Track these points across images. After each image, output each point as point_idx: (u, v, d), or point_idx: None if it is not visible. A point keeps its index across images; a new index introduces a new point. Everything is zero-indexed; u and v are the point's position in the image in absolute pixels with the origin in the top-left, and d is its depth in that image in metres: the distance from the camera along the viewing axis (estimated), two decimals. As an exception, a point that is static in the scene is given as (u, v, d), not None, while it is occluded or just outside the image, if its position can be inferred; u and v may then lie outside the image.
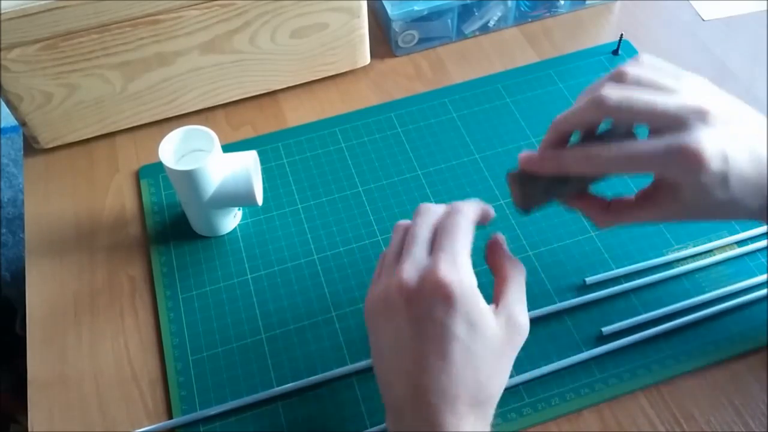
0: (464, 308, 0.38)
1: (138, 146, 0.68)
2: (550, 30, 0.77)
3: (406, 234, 0.43)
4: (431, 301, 0.38)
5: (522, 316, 0.41)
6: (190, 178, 0.53)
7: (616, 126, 0.42)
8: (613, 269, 0.56)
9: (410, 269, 0.40)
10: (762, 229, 0.58)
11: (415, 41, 0.74)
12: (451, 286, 0.38)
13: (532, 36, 0.76)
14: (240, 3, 0.61)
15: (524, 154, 0.43)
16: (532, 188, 0.44)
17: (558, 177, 0.43)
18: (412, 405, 0.39)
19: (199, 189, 0.55)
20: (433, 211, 0.43)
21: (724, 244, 0.57)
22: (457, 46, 0.75)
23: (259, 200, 0.59)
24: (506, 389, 0.51)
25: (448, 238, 0.40)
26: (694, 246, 0.58)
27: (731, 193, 0.39)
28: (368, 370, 0.52)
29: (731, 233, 0.58)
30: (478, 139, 0.66)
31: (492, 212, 0.45)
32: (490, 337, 0.39)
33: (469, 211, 0.42)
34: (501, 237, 0.46)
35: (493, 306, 0.41)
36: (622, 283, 0.55)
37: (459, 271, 0.39)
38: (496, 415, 0.50)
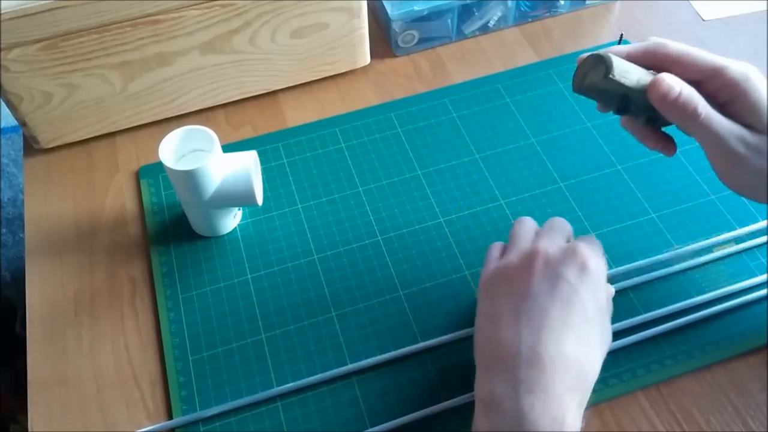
0: (593, 282, 0.43)
1: (138, 146, 0.68)
2: (550, 30, 0.77)
3: (521, 231, 0.48)
4: (569, 264, 0.43)
5: (593, 262, 0.44)
6: (190, 178, 0.53)
7: None
8: (612, 268, 0.56)
9: (549, 243, 0.45)
10: (761, 227, 0.58)
11: (415, 41, 0.74)
12: (590, 261, 0.43)
13: (532, 36, 0.76)
14: (240, 3, 0.61)
15: (663, 80, 0.44)
16: (608, 84, 0.44)
17: (639, 101, 0.45)
18: (527, 360, 0.40)
19: (199, 189, 0.55)
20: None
21: (724, 240, 0.57)
22: (457, 46, 0.75)
23: (259, 200, 0.59)
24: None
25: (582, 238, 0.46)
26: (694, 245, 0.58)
27: None
28: (368, 370, 0.52)
29: (731, 233, 0.58)
30: (478, 139, 0.66)
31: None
32: (606, 317, 0.44)
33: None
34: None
35: None
36: (621, 282, 0.55)
37: (596, 254, 0.44)
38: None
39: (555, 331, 0.41)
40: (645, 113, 0.47)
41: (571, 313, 0.42)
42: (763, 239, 0.58)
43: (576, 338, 0.41)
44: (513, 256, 0.45)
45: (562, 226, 0.48)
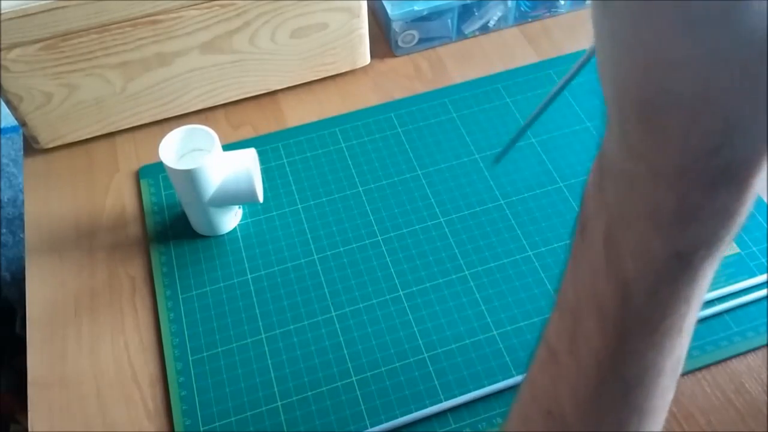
0: None
1: (138, 146, 0.68)
2: (550, 30, 0.76)
3: None
4: None
5: None
6: (190, 177, 0.53)
7: None
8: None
9: None
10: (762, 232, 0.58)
11: (415, 41, 0.74)
12: None
13: (532, 36, 0.76)
14: (240, 3, 0.61)
15: None
16: None
17: None
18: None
19: (199, 188, 0.55)
20: None
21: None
22: (457, 46, 0.75)
23: (260, 197, 0.59)
24: (502, 392, 0.51)
25: None
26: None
27: None
28: (368, 369, 0.52)
29: (731, 233, 0.58)
30: (478, 139, 0.66)
31: None
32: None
33: None
34: None
35: None
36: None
37: None
38: (487, 421, 0.50)
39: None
40: None
41: None
42: (763, 244, 0.58)
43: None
44: None
45: None
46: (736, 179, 0.22)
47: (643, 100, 0.21)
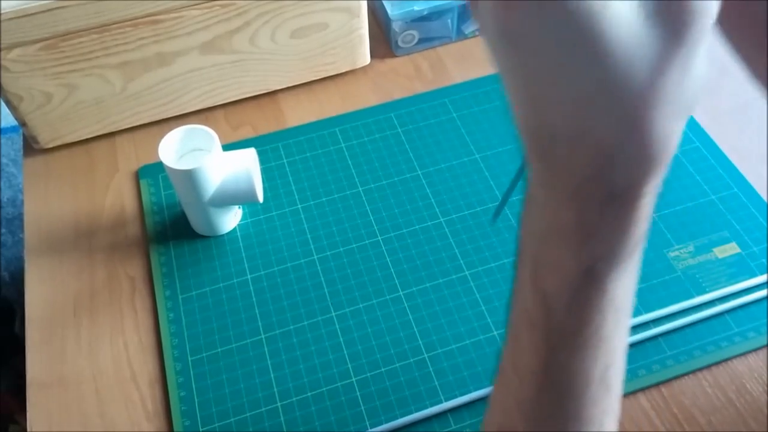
0: None
1: (138, 146, 0.68)
2: (550, 30, 0.76)
3: None
4: None
5: None
6: (190, 177, 0.53)
7: None
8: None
9: None
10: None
11: (415, 41, 0.74)
12: None
13: (532, 36, 0.76)
14: (240, 3, 0.61)
15: None
16: None
17: None
18: None
19: (199, 188, 0.55)
20: None
21: (725, 244, 0.57)
22: (457, 46, 0.75)
23: (260, 197, 0.59)
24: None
25: None
26: (695, 246, 0.57)
27: None
28: (368, 370, 0.52)
29: (731, 233, 0.58)
30: (478, 139, 0.66)
31: None
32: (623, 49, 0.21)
33: None
34: None
35: None
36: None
37: None
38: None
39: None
40: None
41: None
42: (763, 244, 0.58)
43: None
44: None
45: None
46: (622, 201, 0.24)
47: (532, 132, 0.24)
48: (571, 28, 0.20)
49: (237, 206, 0.60)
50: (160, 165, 0.65)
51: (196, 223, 0.60)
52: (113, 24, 0.59)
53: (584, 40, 0.20)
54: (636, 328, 0.53)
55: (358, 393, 0.51)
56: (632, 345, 0.52)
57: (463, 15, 0.74)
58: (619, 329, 0.29)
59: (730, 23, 0.34)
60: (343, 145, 0.67)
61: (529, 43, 0.21)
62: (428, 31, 0.73)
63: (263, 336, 0.54)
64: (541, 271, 0.27)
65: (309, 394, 0.51)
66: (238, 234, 0.61)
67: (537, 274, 0.28)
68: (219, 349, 0.54)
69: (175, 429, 0.50)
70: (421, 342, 0.53)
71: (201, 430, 0.50)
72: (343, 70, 0.71)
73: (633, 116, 0.22)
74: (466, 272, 0.57)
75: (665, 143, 0.23)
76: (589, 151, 0.23)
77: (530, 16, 0.21)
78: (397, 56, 0.74)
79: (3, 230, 1.44)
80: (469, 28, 0.75)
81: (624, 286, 0.27)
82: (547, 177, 0.25)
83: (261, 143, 0.67)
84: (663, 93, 0.22)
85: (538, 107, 0.23)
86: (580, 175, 0.23)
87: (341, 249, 0.59)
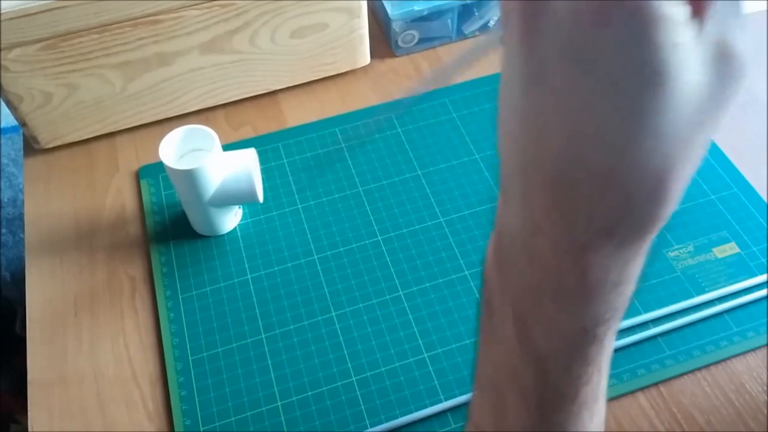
0: (636, 42, 0.19)
1: (138, 146, 0.68)
2: (550, 30, 0.76)
3: None
4: (572, 16, 0.20)
5: (741, 41, 0.22)
6: (190, 177, 0.53)
7: None
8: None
9: None
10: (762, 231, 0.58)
11: (415, 41, 0.74)
12: None
13: (532, 36, 0.76)
14: (240, 3, 0.61)
15: None
16: None
17: None
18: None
19: (200, 188, 0.55)
20: None
21: (725, 244, 0.58)
22: (457, 46, 0.75)
23: (260, 197, 0.59)
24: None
25: None
26: (695, 245, 0.58)
27: None
28: (368, 369, 0.52)
29: (731, 233, 0.58)
30: (478, 139, 0.66)
31: None
32: (684, 95, 0.20)
33: None
34: None
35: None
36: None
37: None
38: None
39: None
40: None
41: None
42: (763, 244, 0.58)
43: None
44: None
45: None
46: (631, 251, 0.23)
47: (556, 173, 0.21)
48: (655, 65, 0.19)
49: (237, 206, 0.60)
50: (160, 165, 0.65)
51: (197, 223, 0.60)
52: (113, 24, 0.59)
53: (661, 81, 0.19)
54: (635, 328, 0.53)
55: (358, 392, 0.51)
56: (632, 345, 0.52)
57: (463, 15, 0.74)
58: (607, 376, 0.27)
59: None
60: (343, 145, 0.67)
61: (602, 71, 0.19)
62: (428, 31, 0.73)
63: (263, 335, 0.54)
64: (531, 331, 0.25)
65: (309, 393, 0.51)
66: (239, 234, 0.61)
67: (527, 334, 0.25)
68: (219, 349, 0.54)
69: (175, 428, 0.50)
70: (420, 341, 0.54)
71: (202, 429, 0.50)
72: (343, 70, 0.71)
73: (672, 163, 0.21)
74: (466, 272, 0.57)
75: (681, 191, 0.22)
76: (618, 196, 0.21)
77: (619, 44, 0.19)
78: (397, 56, 0.74)
79: (3, 230, 1.44)
80: (469, 28, 0.75)
81: (615, 334, 0.26)
82: (556, 226, 0.22)
83: (261, 143, 0.67)
84: (699, 142, 0.21)
85: (576, 141, 0.20)
86: (601, 223, 0.21)
87: (341, 249, 0.59)
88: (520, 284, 0.25)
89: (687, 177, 0.22)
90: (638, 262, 0.24)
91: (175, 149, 0.56)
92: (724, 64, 0.21)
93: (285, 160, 0.66)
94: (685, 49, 0.19)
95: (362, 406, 0.51)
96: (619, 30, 0.19)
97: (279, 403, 0.51)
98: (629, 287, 0.24)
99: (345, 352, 0.53)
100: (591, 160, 0.20)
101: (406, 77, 0.73)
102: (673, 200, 0.22)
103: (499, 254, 0.26)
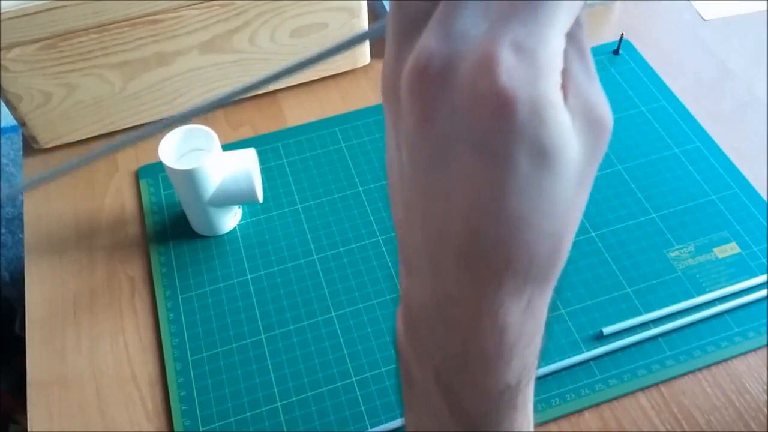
0: (531, 130, 0.20)
1: (137, 146, 0.68)
2: (550, 30, 0.76)
3: None
4: (471, 109, 0.20)
5: (602, 103, 0.22)
6: (190, 177, 0.53)
7: None
8: (613, 267, 0.56)
9: (440, 39, 0.20)
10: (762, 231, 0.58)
11: (415, 41, 0.74)
12: (515, 90, 0.19)
13: (532, 36, 0.76)
14: (239, 2, 0.61)
15: None
16: None
17: None
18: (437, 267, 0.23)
19: (199, 188, 0.55)
20: None
21: (725, 244, 0.57)
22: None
23: (260, 197, 0.59)
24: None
25: None
26: (695, 246, 0.57)
27: None
28: (368, 370, 0.52)
29: (732, 233, 0.58)
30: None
31: None
32: (570, 165, 0.22)
33: None
34: None
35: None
36: (622, 283, 0.55)
37: (540, 53, 0.19)
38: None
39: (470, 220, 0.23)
40: None
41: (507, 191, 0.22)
42: (763, 244, 0.58)
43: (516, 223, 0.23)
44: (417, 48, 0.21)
45: None
46: (540, 303, 0.24)
47: (464, 247, 0.22)
48: (548, 148, 0.21)
49: (237, 206, 0.60)
50: (160, 165, 0.65)
51: (196, 223, 0.60)
52: (112, 24, 0.59)
53: (554, 161, 0.21)
54: (636, 329, 0.53)
55: (358, 393, 0.51)
56: (632, 345, 0.52)
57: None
58: (532, 411, 0.29)
59: None
60: (343, 145, 0.67)
61: (504, 157, 0.20)
62: (428, 30, 0.73)
63: (263, 336, 0.54)
64: (460, 398, 0.26)
65: (309, 393, 0.51)
66: (238, 234, 0.61)
67: (456, 402, 0.26)
68: (219, 349, 0.54)
69: (175, 429, 0.50)
70: (421, 342, 0.53)
71: (201, 429, 0.50)
72: (343, 70, 0.71)
73: (566, 222, 0.23)
74: (466, 272, 0.57)
75: (571, 241, 0.24)
76: (524, 260, 0.23)
77: (519, 133, 0.20)
78: (396, 56, 0.74)
79: (3, 230, 1.44)
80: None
81: (536, 375, 0.28)
82: (469, 294, 0.23)
83: (261, 143, 0.67)
84: (583, 199, 0.23)
85: (482, 218, 0.22)
86: (510, 286, 0.23)
87: (341, 249, 0.59)
88: (440, 354, 0.26)
89: (575, 230, 0.24)
90: (546, 309, 0.25)
91: (174, 149, 0.56)
92: (592, 128, 0.22)
93: (285, 160, 0.66)
94: (566, 126, 0.21)
95: (362, 407, 0.51)
96: (517, 120, 0.20)
97: (279, 404, 0.51)
98: (541, 334, 0.26)
99: (345, 352, 0.53)
100: (497, 234, 0.22)
101: (406, 77, 0.72)
102: (568, 251, 0.24)
103: (411, 326, 0.27)
